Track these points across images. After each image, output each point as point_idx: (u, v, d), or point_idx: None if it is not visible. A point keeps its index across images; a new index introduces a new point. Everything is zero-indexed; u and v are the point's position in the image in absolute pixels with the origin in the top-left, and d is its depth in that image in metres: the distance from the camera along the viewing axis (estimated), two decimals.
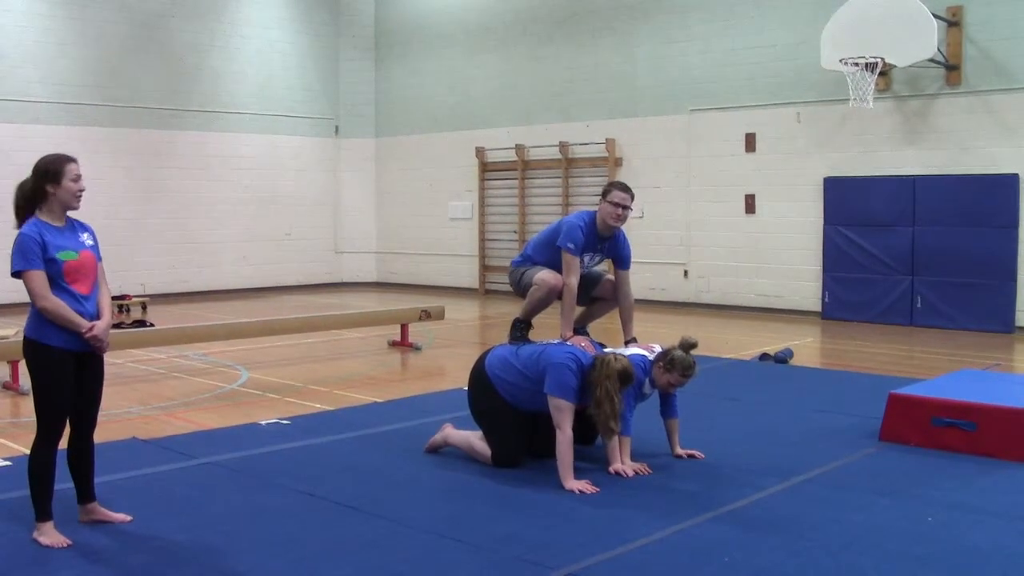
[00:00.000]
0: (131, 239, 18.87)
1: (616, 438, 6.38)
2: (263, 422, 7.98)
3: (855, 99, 14.45)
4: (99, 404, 5.34)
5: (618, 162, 18.87)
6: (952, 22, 14.81)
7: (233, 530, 5.33)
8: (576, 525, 5.44)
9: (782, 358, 11.64)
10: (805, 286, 16.59)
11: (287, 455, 6.95)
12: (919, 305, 15.14)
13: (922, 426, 7.16)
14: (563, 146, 19.52)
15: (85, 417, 5.26)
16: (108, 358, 5.37)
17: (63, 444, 5.22)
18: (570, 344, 6.66)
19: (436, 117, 21.76)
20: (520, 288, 7.88)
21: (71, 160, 5.17)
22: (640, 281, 18.51)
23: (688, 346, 6.58)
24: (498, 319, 16.88)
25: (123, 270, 17.94)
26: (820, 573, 4.75)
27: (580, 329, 7.80)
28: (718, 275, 17.57)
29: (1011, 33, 14.53)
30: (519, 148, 20.20)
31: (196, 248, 20.23)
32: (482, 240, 21.08)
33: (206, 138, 20.38)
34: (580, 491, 5.94)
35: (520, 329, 7.72)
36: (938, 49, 14.41)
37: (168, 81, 19.80)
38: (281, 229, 21.49)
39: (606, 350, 6.65)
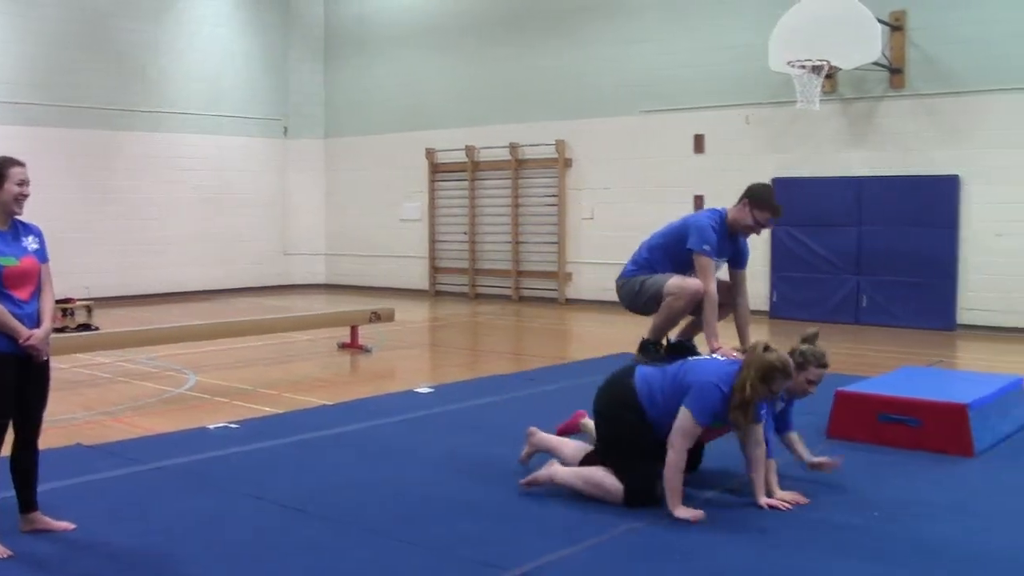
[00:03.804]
0: (76, 241, 18.60)
1: (760, 468, 5.69)
2: (211, 426, 7.92)
3: (802, 101, 14.58)
4: (44, 410, 5.24)
5: (568, 163, 18.91)
6: (895, 27, 15.01)
7: (180, 536, 5.29)
8: (529, 524, 5.44)
9: None
10: (753, 285, 16.53)
11: (236, 459, 6.91)
12: (864, 304, 15.31)
13: (868, 423, 7.24)
14: (513, 147, 19.53)
15: (29, 423, 5.15)
16: (52, 362, 5.30)
17: (5, 451, 5.15)
18: (723, 358, 5.80)
19: (386, 118, 21.68)
20: (642, 300, 6.91)
21: (17, 163, 5.10)
22: (589, 282, 18.64)
23: (811, 337, 6.03)
24: (448, 321, 16.87)
25: (68, 272, 17.59)
26: (772, 569, 4.79)
27: (686, 342, 7.07)
28: None
29: (952, 38, 14.75)
30: (469, 149, 20.19)
31: (143, 250, 20.00)
32: (432, 241, 21.04)
33: (153, 139, 20.17)
34: (695, 519, 5.40)
35: (655, 351, 6.84)
36: (882, 53, 14.60)
37: (115, 81, 19.57)
38: (229, 230, 21.29)
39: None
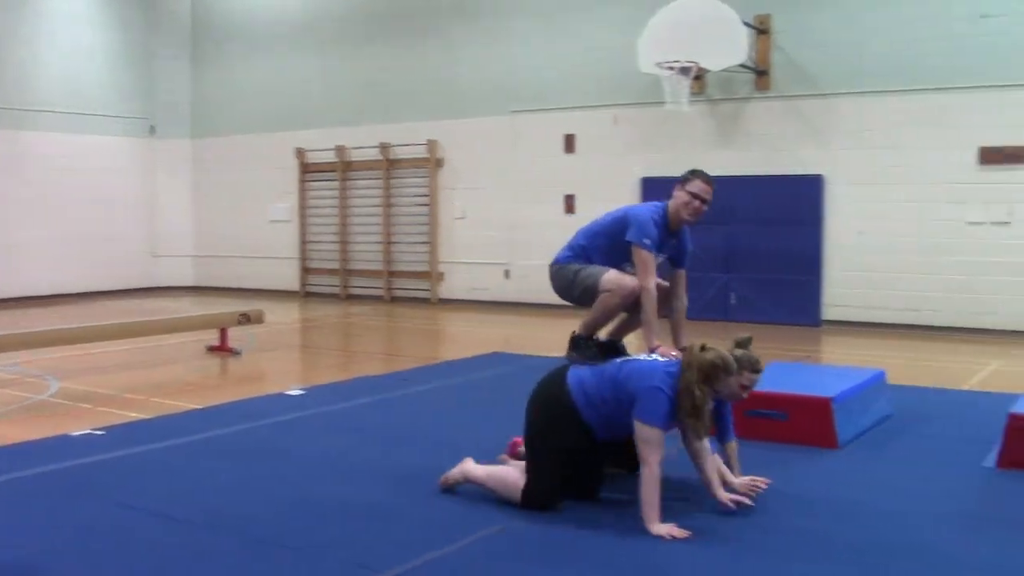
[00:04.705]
0: None
1: (707, 459, 5.54)
2: (75, 433, 7.70)
3: (671, 102, 14.81)
4: None
5: (439, 163, 18.92)
6: (761, 30, 15.37)
7: (42, 547, 5.11)
8: (405, 525, 5.40)
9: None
10: None
11: (101, 466, 6.72)
12: (733, 301, 15.61)
13: (737, 418, 7.34)
14: (385, 147, 19.46)
15: None
16: None
17: None
18: (662, 359, 5.61)
19: (255, 117, 21.41)
20: (576, 291, 6.69)
21: None
22: (461, 282, 18.66)
23: (745, 342, 5.80)
24: (319, 322, 16.74)
25: None
26: (647, 563, 4.83)
27: (617, 342, 6.84)
28: (539, 275, 17.59)
29: (815, 42, 15.20)
30: (340, 149, 20.05)
31: (3, 252, 19.43)
32: (303, 242, 20.86)
33: (13, 137, 19.56)
34: (671, 536, 5.10)
35: (588, 347, 6.65)
36: (748, 55, 14.94)
37: None
38: (93, 232, 20.74)
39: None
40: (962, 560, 4.91)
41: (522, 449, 6.24)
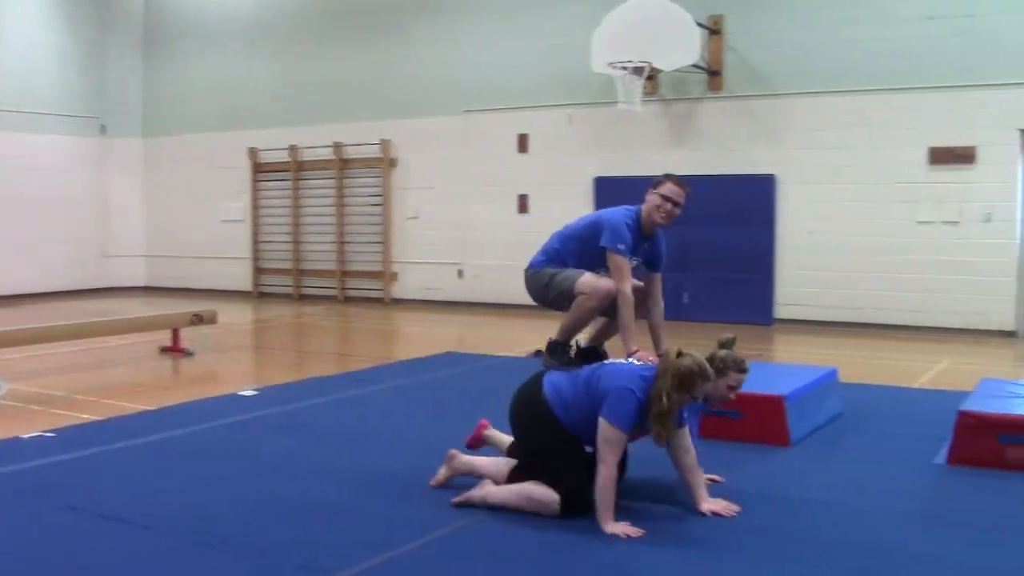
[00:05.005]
0: None
1: (695, 473, 5.58)
2: (25, 436, 7.61)
3: (624, 102, 14.86)
4: None
5: (393, 163, 18.88)
6: (713, 30, 15.47)
7: None
8: (358, 526, 5.39)
9: None
10: None
11: (52, 469, 6.65)
12: (686, 300, 15.68)
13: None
14: (338, 147, 19.39)
15: None
16: None
17: None
18: (639, 363, 5.61)
19: (208, 117, 21.25)
20: (551, 295, 6.62)
21: None
22: (415, 281, 18.64)
23: (729, 342, 5.83)
24: (272, 322, 16.66)
25: None
26: (601, 562, 4.85)
27: (597, 347, 6.75)
28: (492, 274, 17.74)
29: (767, 42, 15.32)
30: (293, 149, 19.96)
31: None
32: (256, 242, 20.75)
33: None
34: (625, 535, 5.13)
35: (564, 353, 6.56)
36: (701, 55, 15.04)
37: None
38: (44, 232, 20.49)
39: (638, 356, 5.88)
40: (911, 555, 4.97)
41: (487, 432, 6.29)
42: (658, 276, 6.87)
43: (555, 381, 5.59)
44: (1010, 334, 14.12)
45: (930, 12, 14.31)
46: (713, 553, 4.99)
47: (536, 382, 5.68)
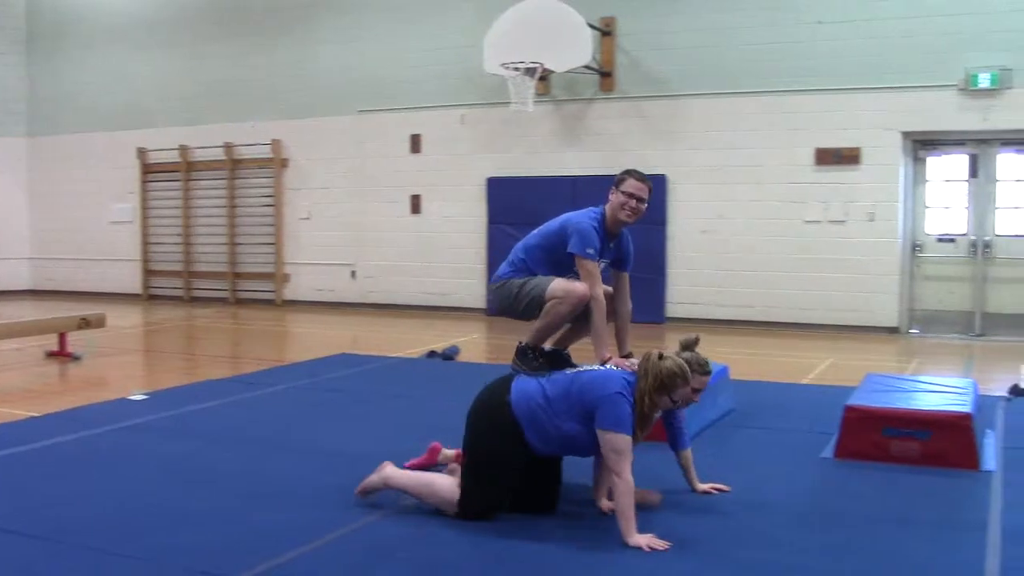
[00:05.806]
0: None
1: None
2: None
3: (516, 102, 14.92)
4: None
5: (284, 163, 18.74)
6: (605, 32, 15.63)
7: None
8: (252, 529, 5.33)
9: (449, 355, 11.88)
10: (470, 284, 16.98)
11: None
12: None
13: None
14: (229, 147, 19.18)
15: None
16: None
17: None
18: (615, 368, 5.56)
19: (96, 116, 20.85)
20: (522, 304, 6.42)
21: None
22: (307, 283, 18.52)
23: (692, 343, 5.74)
24: (162, 325, 16.41)
25: None
26: (498, 561, 4.87)
27: (562, 351, 6.61)
28: (385, 275, 17.71)
29: (657, 44, 15.53)
30: (183, 149, 19.69)
31: None
32: (145, 244, 20.42)
33: None
34: (649, 547, 4.96)
35: (535, 358, 6.32)
36: (593, 57, 15.16)
37: None
38: None
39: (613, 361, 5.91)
40: (801, 548, 5.07)
41: (442, 454, 6.27)
42: (626, 276, 6.78)
43: (525, 391, 5.44)
44: (893, 330, 14.49)
45: (819, 17, 14.62)
46: (601, 548, 5.03)
47: (504, 385, 5.56)
